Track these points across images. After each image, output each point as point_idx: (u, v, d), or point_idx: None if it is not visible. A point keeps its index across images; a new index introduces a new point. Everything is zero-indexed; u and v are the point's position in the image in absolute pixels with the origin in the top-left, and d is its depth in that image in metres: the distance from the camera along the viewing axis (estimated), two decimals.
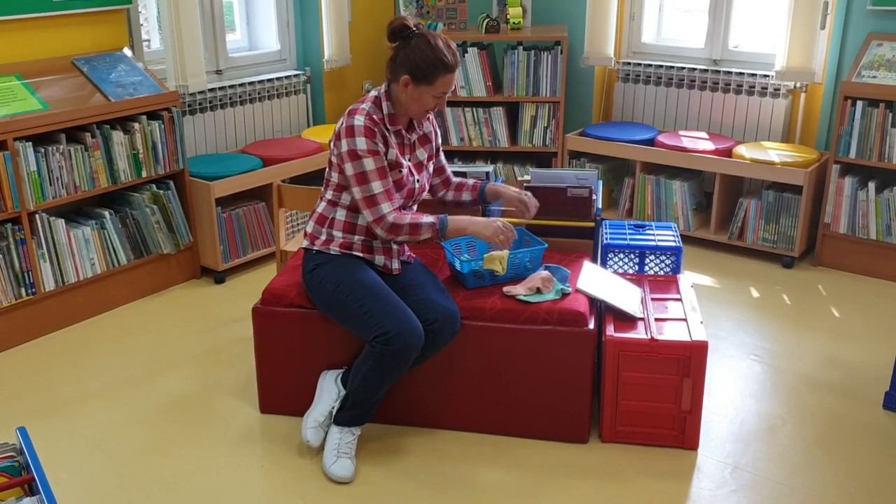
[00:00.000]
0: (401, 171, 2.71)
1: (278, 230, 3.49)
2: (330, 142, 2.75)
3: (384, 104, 2.70)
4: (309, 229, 2.84)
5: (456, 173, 3.36)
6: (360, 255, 2.78)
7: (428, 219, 2.67)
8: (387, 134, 2.68)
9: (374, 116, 2.66)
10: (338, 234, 2.77)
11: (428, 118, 2.88)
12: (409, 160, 2.79)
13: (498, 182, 3.03)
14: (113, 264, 3.82)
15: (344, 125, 2.65)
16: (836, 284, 4.13)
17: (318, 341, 2.88)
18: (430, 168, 2.91)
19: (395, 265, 2.83)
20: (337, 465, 2.66)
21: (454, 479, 2.68)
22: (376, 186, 2.63)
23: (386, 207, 2.64)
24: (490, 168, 3.39)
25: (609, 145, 4.73)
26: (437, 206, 3.06)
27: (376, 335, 2.56)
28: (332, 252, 2.77)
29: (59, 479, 2.68)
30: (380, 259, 2.80)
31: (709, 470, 2.72)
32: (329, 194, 2.78)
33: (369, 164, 2.62)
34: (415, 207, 2.90)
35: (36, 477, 1.65)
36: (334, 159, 2.71)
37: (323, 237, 2.79)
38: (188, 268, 4.17)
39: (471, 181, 3.03)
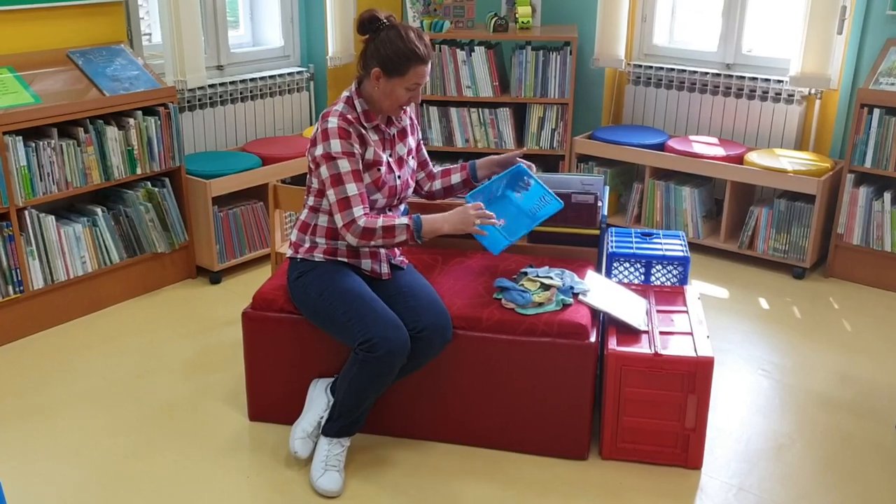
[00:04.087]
0: (379, 170, 2.62)
1: (274, 232, 3.40)
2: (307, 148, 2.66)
3: (357, 102, 2.62)
4: (293, 238, 2.76)
5: None
6: (346, 260, 2.68)
7: (401, 220, 2.56)
8: (363, 132, 2.59)
9: (349, 116, 2.58)
10: (321, 240, 2.68)
11: (405, 111, 2.79)
12: (390, 155, 2.70)
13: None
14: (105, 263, 3.74)
15: (319, 130, 2.57)
16: (849, 297, 4.00)
17: (309, 348, 2.79)
18: (412, 163, 2.81)
19: (385, 269, 2.73)
20: (324, 479, 2.56)
21: (446, 495, 2.57)
22: (351, 189, 2.54)
23: (358, 211, 2.54)
24: None
25: (618, 149, 4.62)
26: (428, 200, 2.99)
27: (360, 342, 2.47)
28: (316, 259, 2.68)
29: (35, 486, 2.59)
30: (367, 263, 2.70)
31: (712, 491, 2.61)
32: (311, 201, 2.69)
33: (344, 165, 2.53)
34: (402, 207, 2.80)
35: None
36: (312, 165, 2.63)
37: (307, 244, 2.70)
38: (183, 267, 4.08)
39: (457, 166, 2.92)
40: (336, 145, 2.53)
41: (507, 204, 2.83)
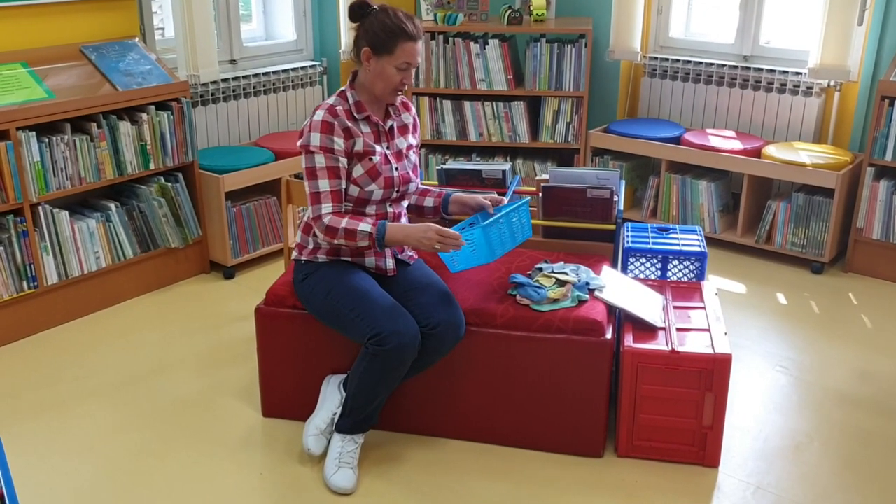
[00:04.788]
0: (372, 160, 2.59)
1: (287, 227, 3.38)
2: None
3: (349, 94, 2.61)
4: (297, 239, 2.74)
5: (471, 172, 3.23)
6: (349, 259, 2.67)
7: (365, 227, 2.51)
8: (350, 125, 2.56)
9: (338, 108, 2.56)
10: (323, 241, 2.65)
11: (407, 107, 2.76)
12: (388, 148, 2.66)
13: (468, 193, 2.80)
14: (119, 258, 3.73)
15: (306, 122, 2.57)
16: (868, 292, 3.95)
17: (322, 344, 2.77)
18: (413, 158, 2.77)
19: (390, 265, 2.71)
20: (338, 476, 2.54)
21: (460, 493, 2.55)
22: (323, 184, 2.53)
23: (326, 208, 2.53)
24: (507, 166, 3.25)
25: (634, 143, 4.58)
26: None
27: (369, 337, 2.45)
28: (320, 260, 2.67)
29: (48, 481, 2.59)
30: (370, 260, 2.68)
31: (730, 490, 2.58)
32: None
33: (320, 160, 2.52)
34: (405, 203, 2.77)
35: (4, 491, 1.55)
36: None
37: (310, 246, 2.69)
38: (197, 262, 4.07)
39: (435, 191, 2.84)
40: (315, 139, 2.52)
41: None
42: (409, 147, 2.76)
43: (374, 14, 2.55)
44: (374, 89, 2.59)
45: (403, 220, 2.77)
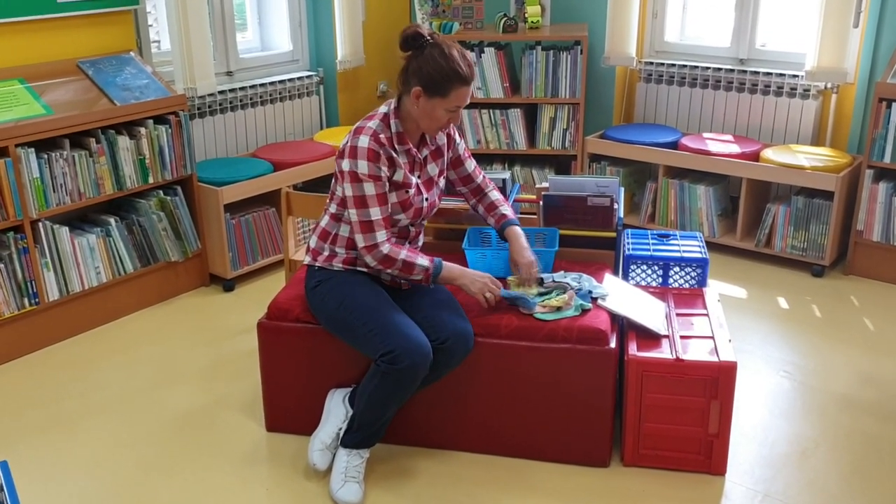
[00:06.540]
0: (408, 192, 2.59)
1: (287, 239, 3.38)
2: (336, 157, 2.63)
3: (392, 122, 2.57)
4: (312, 244, 2.72)
5: None
6: (365, 269, 2.66)
7: (423, 262, 2.55)
8: (394, 155, 2.55)
9: (382, 136, 2.53)
10: (341, 250, 2.65)
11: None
12: (419, 177, 2.66)
13: (516, 225, 2.83)
14: (119, 272, 3.72)
15: (349, 144, 2.53)
16: (870, 295, 3.95)
17: (325, 358, 2.76)
18: (441, 183, 2.77)
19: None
20: (344, 490, 2.53)
21: None
22: (375, 213, 2.51)
23: (381, 236, 2.52)
24: (507, 174, 3.25)
25: (631, 148, 4.58)
26: (472, 212, 2.98)
27: (381, 354, 2.44)
28: (335, 268, 2.65)
29: (53, 498, 2.58)
30: (386, 274, 2.67)
31: (737, 498, 2.57)
32: (333, 208, 2.65)
33: (370, 188, 2.50)
34: (424, 223, 2.77)
35: None
36: (338, 175, 2.59)
37: (326, 253, 2.67)
38: (196, 275, 4.06)
39: (501, 210, 2.84)
40: (363, 166, 2.49)
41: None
42: (441, 173, 2.74)
43: (428, 49, 2.47)
44: (419, 124, 2.57)
45: (420, 237, 2.79)
